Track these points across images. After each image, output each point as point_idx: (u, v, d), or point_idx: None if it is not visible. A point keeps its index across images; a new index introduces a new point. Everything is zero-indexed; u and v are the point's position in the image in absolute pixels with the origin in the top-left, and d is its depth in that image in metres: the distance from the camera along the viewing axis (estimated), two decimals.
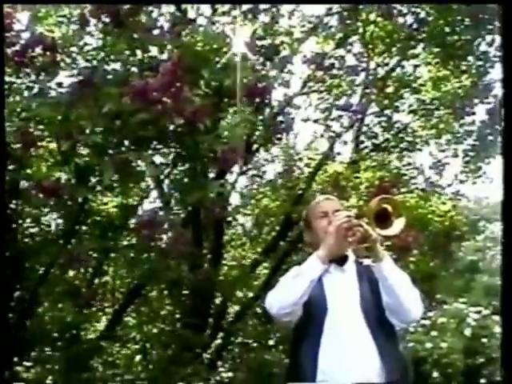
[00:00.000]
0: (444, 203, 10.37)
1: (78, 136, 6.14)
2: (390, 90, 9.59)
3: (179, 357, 8.68)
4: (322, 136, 10.32)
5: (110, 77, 6.69)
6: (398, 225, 3.12)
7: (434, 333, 15.24)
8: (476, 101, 9.51)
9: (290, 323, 3.28)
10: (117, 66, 6.98)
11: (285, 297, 3.17)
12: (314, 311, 3.21)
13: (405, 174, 10.38)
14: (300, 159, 10.84)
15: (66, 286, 7.68)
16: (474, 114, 9.80)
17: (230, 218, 10.88)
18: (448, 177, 10.81)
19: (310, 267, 3.20)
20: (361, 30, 9.29)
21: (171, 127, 6.23)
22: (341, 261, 3.34)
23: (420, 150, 10.73)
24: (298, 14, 9.27)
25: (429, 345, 15.01)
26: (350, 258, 3.39)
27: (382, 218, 3.10)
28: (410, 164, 10.74)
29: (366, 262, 3.31)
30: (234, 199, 11.27)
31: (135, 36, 6.91)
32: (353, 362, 3.10)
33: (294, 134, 10.24)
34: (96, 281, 8.48)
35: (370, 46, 9.44)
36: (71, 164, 6.13)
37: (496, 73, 9.17)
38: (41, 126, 6.18)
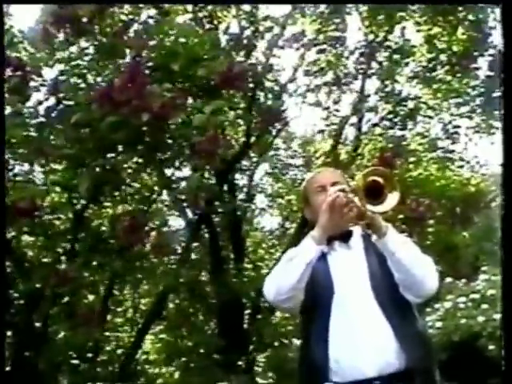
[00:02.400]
0: (459, 170, 9.89)
1: (51, 151, 5.97)
2: (383, 57, 9.23)
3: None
4: (326, 119, 9.91)
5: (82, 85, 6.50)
6: (390, 200, 2.80)
7: (484, 306, 14.66)
8: (476, 54, 9.03)
9: (293, 309, 3.04)
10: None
11: (281, 282, 2.92)
12: (319, 293, 2.93)
13: (409, 145, 9.91)
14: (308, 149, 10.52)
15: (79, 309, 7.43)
16: (476, 69, 9.33)
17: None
18: (463, 142, 10.28)
19: (304, 249, 2.93)
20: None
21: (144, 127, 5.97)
22: (345, 236, 3.05)
23: (430, 117, 10.27)
24: None
25: (481, 318, 14.45)
26: (356, 233, 3.08)
27: (374, 193, 2.79)
28: (419, 134, 10.28)
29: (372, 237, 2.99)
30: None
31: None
32: (366, 347, 2.80)
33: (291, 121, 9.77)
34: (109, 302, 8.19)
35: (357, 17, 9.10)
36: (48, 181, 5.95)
37: (492, 22, 8.72)
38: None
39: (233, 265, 10.08)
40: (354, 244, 3.07)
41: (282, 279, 2.92)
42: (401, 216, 7.65)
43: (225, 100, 6.47)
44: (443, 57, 9.30)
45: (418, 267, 2.86)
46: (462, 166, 10.74)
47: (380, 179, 2.81)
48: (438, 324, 7.85)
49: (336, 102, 9.77)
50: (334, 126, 10.04)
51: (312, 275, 2.90)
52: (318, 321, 2.91)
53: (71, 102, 6.26)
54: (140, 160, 6.26)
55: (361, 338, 2.82)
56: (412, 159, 9.74)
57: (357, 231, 3.08)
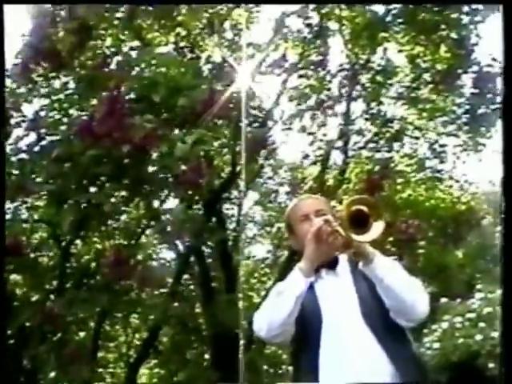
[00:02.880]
0: (448, 189, 9.82)
1: (32, 188, 5.88)
2: (365, 79, 9.20)
3: None
4: (312, 144, 9.84)
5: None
6: (376, 228, 2.72)
7: (482, 324, 14.55)
8: (460, 71, 8.99)
9: (284, 342, 2.97)
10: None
11: (271, 318, 2.85)
12: (308, 324, 2.86)
13: (397, 166, 9.85)
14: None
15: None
16: (461, 87, 9.29)
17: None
18: (450, 160, 10.19)
19: (293, 283, 2.86)
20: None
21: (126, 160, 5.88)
22: (332, 264, 2.98)
23: (417, 137, 10.23)
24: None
25: (479, 337, 14.33)
26: (342, 259, 3.00)
27: (359, 221, 2.72)
28: (406, 155, 10.22)
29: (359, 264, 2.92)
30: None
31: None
32: (359, 373, 2.72)
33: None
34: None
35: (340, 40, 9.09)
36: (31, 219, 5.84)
37: (474, 39, 8.69)
38: None
39: (225, 295, 9.94)
40: (341, 270, 2.99)
41: (273, 315, 2.84)
42: (390, 238, 7.57)
43: (208, 129, 6.42)
44: (427, 76, 9.25)
45: (407, 292, 2.79)
46: (451, 186, 10.67)
47: (364, 208, 2.74)
48: (436, 345, 7.72)
49: (321, 126, 9.69)
50: (320, 151, 9.97)
51: (302, 307, 2.83)
52: (307, 351, 2.85)
53: (52, 137, 6.19)
54: (124, 193, 6.13)
55: (353, 364, 2.74)
56: (400, 180, 9.68)
57: (343, 257, 3.01)
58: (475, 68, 8.92)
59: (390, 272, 2.80)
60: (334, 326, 2.82)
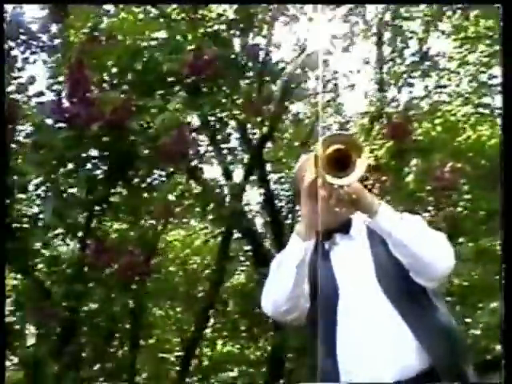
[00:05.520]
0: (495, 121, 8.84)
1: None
2: None
3: None
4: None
5: None
6: (358, 169, 2.39)
7: None
8: None
9: (299, 320, 2.66)
10: None
11: (275, 294, 2.59)
12: (323, 297, 2.57)
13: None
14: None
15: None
16: None
17: None
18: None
19: (291, 250, 2.56)
20: None
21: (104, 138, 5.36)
22: (345, 227, 2.69)
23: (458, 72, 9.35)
24: None
25: None
26: (357, 221, 2.69)
27: (339, 163, 2.39)
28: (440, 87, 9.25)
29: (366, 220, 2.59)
30: None
31: None
32: (380, 352, 2.45)
33: None
34: None
35: None
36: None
37: None
38: None
39: None
40: (356, 233, 2.69)
41: (276, 290, 2.59)
42: (428, 187, 6.81)
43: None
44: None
45: (423, 246, 2.45)
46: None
47: (342, 146, 2.39)
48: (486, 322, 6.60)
49: None
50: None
51: (315, 278, 2.57)
52: (323, 332, 2.54)
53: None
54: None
55: (373, 343, 2.47)
56: (439, 120, 8.74)
57: (358, 218, 2.68)
58: None
59: (399, 223, 2.48)
60: (351, 299, 2.56)
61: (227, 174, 8.11)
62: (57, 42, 6.52)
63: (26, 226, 5.53)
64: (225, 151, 7.89)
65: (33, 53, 6.41)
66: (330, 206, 2.48)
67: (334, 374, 2.50)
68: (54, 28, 6.46)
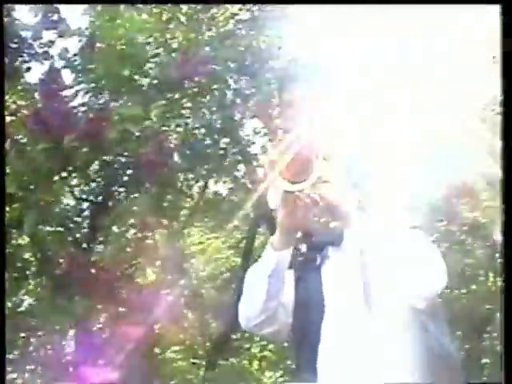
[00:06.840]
0: None
1: None
2: None
3: None
4: None
5: None
6: (317, 168, 2.16)
7: None
8: None
9: (279, 335, 2.56)
10: None
11: (248, 305, 2.46)
12: (309, 314, 2.43)
13: None
14: None
15: None
16: None
17: None
18: None
19: (263, 260, 2.43)
20: None
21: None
22: (338, 239, 2.49)
23: None
24: None
25: None
26: (351, 233, 2.45)
27: (298, 169, 2.18)
28: None
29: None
30: None
31: None
32: (365, 373, 2.26)
33: None
34: None
35: None
36: None
37: None
38: None
39: None
40: (348, 247, 2.47)
41: (250, 301, 2.45)
42: None
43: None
44: None
45: (405, 266, 2.24)
46: None
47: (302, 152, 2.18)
48: None
49: None
50: None
51: (302, 294, 2.46)
52: (305, 347, 2.41)
53: None
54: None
55: (358, 361, 2.28)
56: None
57: (352, 231, 2.43)
58: None
59: (371, 236, 2.29)
60: (335, 317, 2.39)
61: None
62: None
63: None
64: None
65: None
66: (305, 215, 2.32)
67: None
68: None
